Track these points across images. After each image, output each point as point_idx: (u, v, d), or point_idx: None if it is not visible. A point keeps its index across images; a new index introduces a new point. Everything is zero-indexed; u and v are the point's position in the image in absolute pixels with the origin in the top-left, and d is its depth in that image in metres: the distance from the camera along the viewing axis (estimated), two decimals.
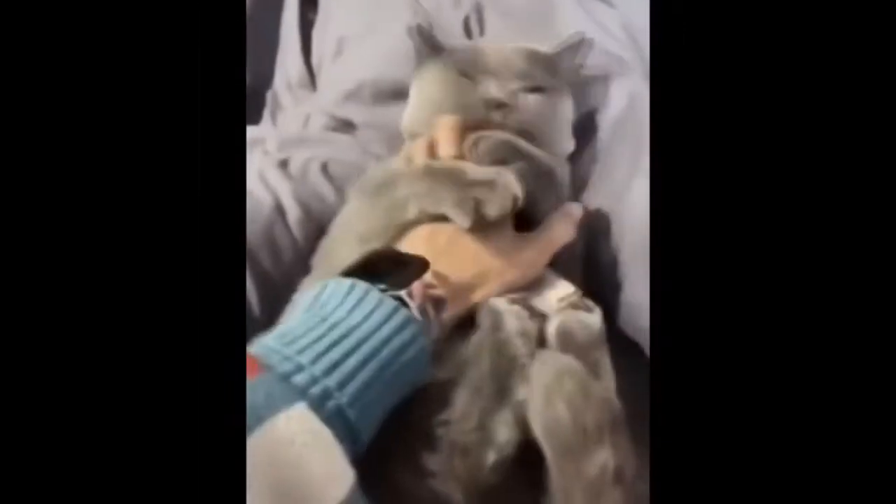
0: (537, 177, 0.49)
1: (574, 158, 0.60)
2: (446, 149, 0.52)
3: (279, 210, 0.63)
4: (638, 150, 0.55)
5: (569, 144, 0.59)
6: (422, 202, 0.47)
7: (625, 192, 0.54)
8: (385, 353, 0.37)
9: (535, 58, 0.57)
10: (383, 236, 0.48)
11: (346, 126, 0.74)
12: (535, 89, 0.56)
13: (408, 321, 0.39)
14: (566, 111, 0.59)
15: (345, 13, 0.83)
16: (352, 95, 0.73)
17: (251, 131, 0.77)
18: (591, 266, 0.55)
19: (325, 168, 0.67)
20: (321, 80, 0.82)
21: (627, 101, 0.58)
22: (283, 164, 0.67)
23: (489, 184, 0.46)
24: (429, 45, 0.60)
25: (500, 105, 0.54)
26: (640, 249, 0.51)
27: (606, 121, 0.59)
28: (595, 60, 0.63)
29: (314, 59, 0.84)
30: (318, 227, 0.63)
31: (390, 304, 0.39)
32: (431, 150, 0.52)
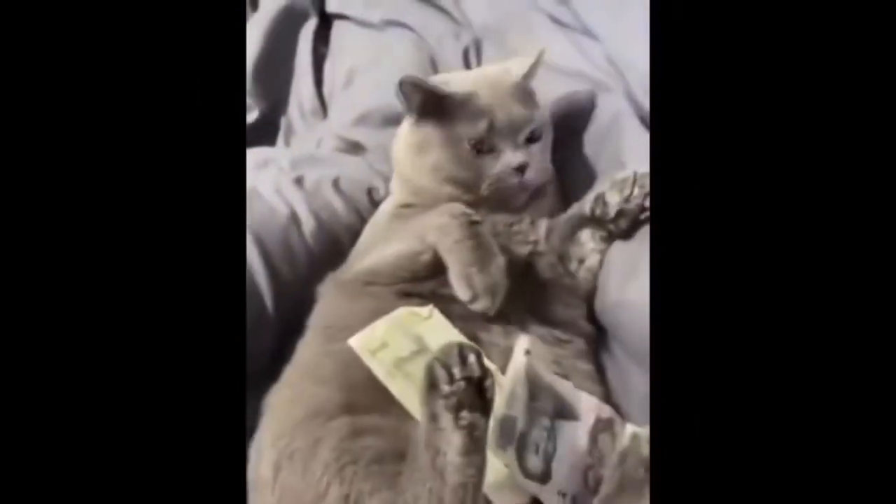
0: None
1: (561, 170, 0.66)
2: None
3: (294, 219, 0.70)
4: (618, 160, 0.61)
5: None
6: None
7: None
8: None
9: (523, 92, 0.63)
10: None
11: (356, 148, 0.81)
12: (534, 136, 0.61)
13: None
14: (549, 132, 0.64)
15: (354, 47, 0.90)
16: (361, 120, 0.81)
17: (266, 153, 0.84)
18: None
19: (336, 184, 0.74)
20: (332, 107, 0.89)
21: (610, 118, 0.64)
22: (299, 181, 0.73)
23: None
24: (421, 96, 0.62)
25: (521, 167, 0.59)
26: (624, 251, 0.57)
27: (591, 136, 0.65)
28: (581, 85, 0.70)
29: (325, 89, 0.91)
30: (330, 235, 0.70)
31: None
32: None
